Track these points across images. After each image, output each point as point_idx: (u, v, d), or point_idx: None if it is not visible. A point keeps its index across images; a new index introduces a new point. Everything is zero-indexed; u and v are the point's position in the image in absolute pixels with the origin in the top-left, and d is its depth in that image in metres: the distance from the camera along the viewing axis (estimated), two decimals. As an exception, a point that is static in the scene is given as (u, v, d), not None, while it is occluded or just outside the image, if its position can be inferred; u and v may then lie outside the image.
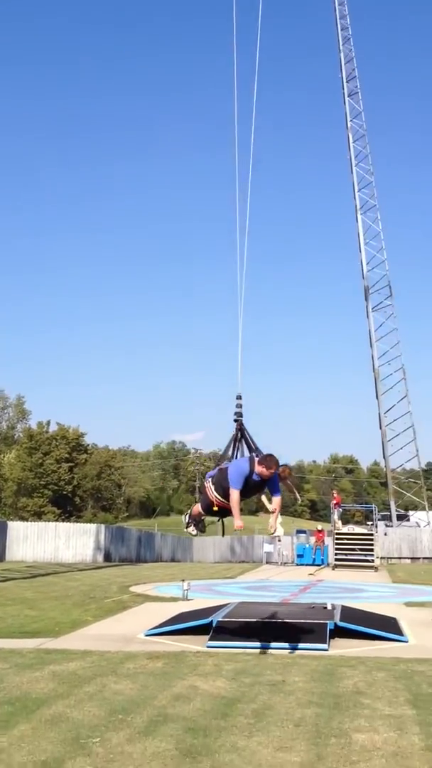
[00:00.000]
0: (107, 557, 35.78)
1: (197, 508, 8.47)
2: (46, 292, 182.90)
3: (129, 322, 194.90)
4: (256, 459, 7.75)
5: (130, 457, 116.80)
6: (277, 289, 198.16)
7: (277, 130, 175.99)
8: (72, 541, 35.17)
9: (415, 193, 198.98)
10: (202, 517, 8.56)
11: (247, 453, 8.44)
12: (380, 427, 51.52)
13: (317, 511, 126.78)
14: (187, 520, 8.68)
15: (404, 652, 8.96)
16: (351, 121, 54.78)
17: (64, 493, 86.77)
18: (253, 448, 8.36)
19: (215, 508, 8.13)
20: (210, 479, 8.19)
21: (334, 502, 35.32)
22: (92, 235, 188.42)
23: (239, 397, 8.96)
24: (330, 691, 6.79)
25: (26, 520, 50.47)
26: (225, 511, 8.13)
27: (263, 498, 8.50)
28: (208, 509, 8.27)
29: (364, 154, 54.75)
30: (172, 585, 18.07)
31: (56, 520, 55.18)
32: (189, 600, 14.27)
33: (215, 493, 7.97)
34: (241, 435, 8.57)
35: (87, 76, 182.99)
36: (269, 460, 7.67)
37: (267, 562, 37.59)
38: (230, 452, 8.57)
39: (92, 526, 38.14)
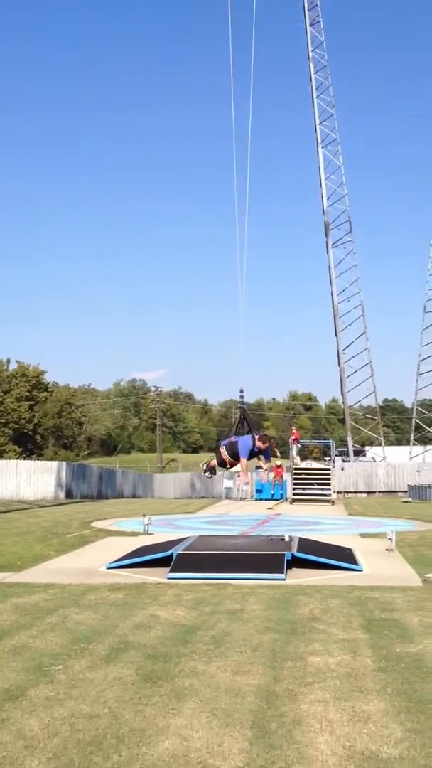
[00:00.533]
0: (69, 494, 35.97)
1: (214, 462, 11.91)
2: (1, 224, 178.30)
3: (89, 258, 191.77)
4: (256, 437, 11.32)
5: (91, 395, 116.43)
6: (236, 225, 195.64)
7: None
8: (33, 479, 35.22)
9: (375, 129, 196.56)
10: (216, 468, 12.03)
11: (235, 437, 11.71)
12: (339, 364, 52.14)
13: (277, 448, 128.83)
14: (204, 468, 12.06)
15: (358, 580, 9.26)
16: (312, 51, 53.56)
17: (25, 431, 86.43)
18: (252, 428, 11.83)
19: (228, 465, 11.75)
20: (224, 446, 11.62)
21: (293, 438, 35.82)
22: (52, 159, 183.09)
23: (242, 390, 12.90)
24: (287, 618, 7.01)
25: (-14, 458, 50.34)
26: (232, 465, 11.65)
27: (258, 459, 12.00)
28: (222, 465, 11.85)
29: (326, 85, 53.80)
30: (133, 520, 18.29)
31: (17, 459, 55.05)
32: (150, 534, 14.48)
33: (227, 456, 11.40)
34: (243, 417, 12.03)
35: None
36: (264, 438, 11.43)
37: (227, 498, 38.20)
38: (235, 428, 12.18)
39: (53, 464, 38.18)
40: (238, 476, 38.18)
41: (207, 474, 12.18)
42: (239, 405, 12.75)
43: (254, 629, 6.53)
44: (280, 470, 34.55)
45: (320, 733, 4.12)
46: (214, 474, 12.34)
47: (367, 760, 3.77)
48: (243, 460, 11.38)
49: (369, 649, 5.87)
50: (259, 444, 11.30)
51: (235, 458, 11.46)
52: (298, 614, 7.17)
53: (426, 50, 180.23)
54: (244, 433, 11.86)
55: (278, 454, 24.13)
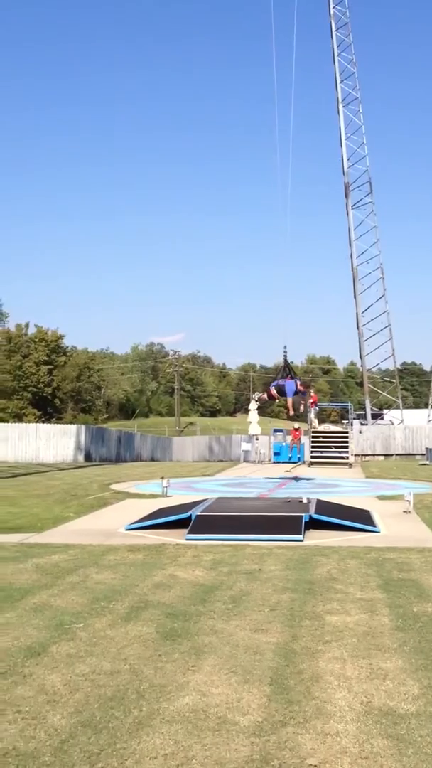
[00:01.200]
0: (87, 457, 36.29)
1: (264, 396, 17.80)
2: (21, 191, 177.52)
3: (109, 222, 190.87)
4: (298, 382, 16.45)
5: (109, 360, 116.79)
6: (255, 185, 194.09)
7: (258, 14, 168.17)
8: (53, 442, 35.52)
9: (398, 87, 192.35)
10: (265, 401, 18.63)
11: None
12: (357, 327, 51.72)
13: (273, 400, 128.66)
14: (256, 398, 21.49)
15: (376, 541, 9.30)
16: (334, 7, 52.21)
17: (44, 395, 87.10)
18: (293, 374, 16.89)
19: (275, 399, 17.46)
20: (273, 387, 16.99)
21: (311, 401, 35.69)
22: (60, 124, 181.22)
23: (285, 347, 18.63)
24: (304, 578, 7.06)
25: (6, 422, 50.72)
26: (275, 399, 17.39)
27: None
28: (271, 399, 18.01)
29: (347, 42, 52.52)
30: (151, 483, 18.44)
31: (36, 422, 55.52)
32: (168, 497, 14.60)
33: (276, 393, 16.83)
34: (286, 365, 17.29)
35: None
36: (303, 384, 15.18)
37: (244, 461, 38.36)
38: (281, 374, 17.69)
39: (72, 427, 38.46)
40: (256, 438, 38.49)
41: (257, 403, 19.77)
42: (284, 355, 18.45)
43: (272, 589, 6.59)
44: (298, 433, 34.56)
45: (338, 689, 4.16)
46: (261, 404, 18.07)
47: (385, 715, 3.80)
48: (289, 399, 16.82)
49: (386, 609, 5.91)
50: (300, 387, 16.98)
51: (282, 395, 16.89)
52: (315, 574, 7.22)
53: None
54: (287, 377, 17.25)
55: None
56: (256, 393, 20.78)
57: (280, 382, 17.27)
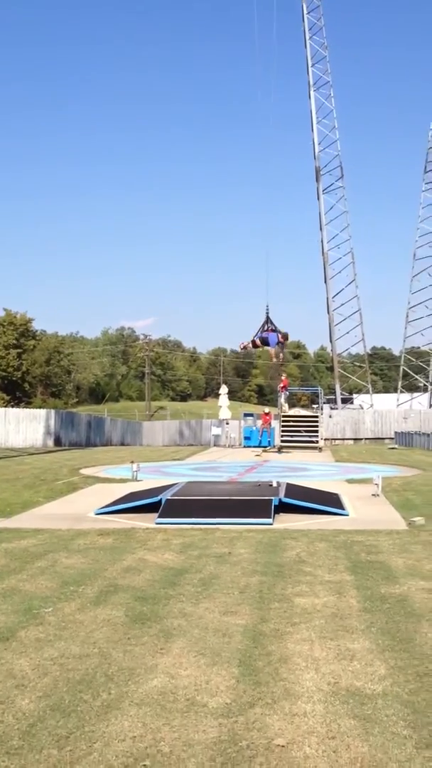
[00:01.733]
0: (57, 442, 36.07)
1: (248, 345, 20.80)
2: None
3: (78, 202, 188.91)
4: (279, 334, 19.37)
5: (79, 344, 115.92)
6: (229, 163, 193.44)
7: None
8: (22, 426, 35.23)
9: (365, 74, 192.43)
10: (248, 348, 21.90)
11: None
12: (328, 312, 52.04)
13: (264, 396, 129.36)
14: (241, 347, 21.70)
15: (345, 524, 9.39)
16: (305, -11, 51.97)
17: (13, 379, 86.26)
18: (274, 327, 19.99)
19: (259, 347, 20.50)
20: (258, 338, 20.05)
21: (281, 385, 35.78)
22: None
23: (267, 305, 20.88)
24: (274, 560, 7.10)
25: (-26, 406, 50.31)
26: (258, 347, 20.88)
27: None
28: (254, 347, 21.05)
29: (319, 26, 52.39)
30: (121, 467, 18.40)
31: (5, 407, 55.00)
32: (138, 481, 14.58)
33: (259, 342, 20.00)
34: (268, 320, 19.88)
35: None
36: (285, 335, 20.06)
37: (215, 445, 38.44)
38: (262, 328, 20.63)
39: (42, 412, 38.15)
40: (226, 423, 38.50)
41: (243, 350, 21.91)
42: (266, 311, 21.01)
43: (242, 572, 6.62)
44: (268, 417, 34.66)
45: (306, 670, 4.20)
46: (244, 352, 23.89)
47: (352, 695, 3.85)
48: (271, 349, 20.73)
49: (354, 590, 5.97)
50: (281, 339, 20.51)
51: (264, 344, 20.41)
52: (285, 557, 7.27)
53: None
54: (269, 330, 20.16)
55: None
56: (241, 343, 22.50)
57: (263, 334, 20.34)
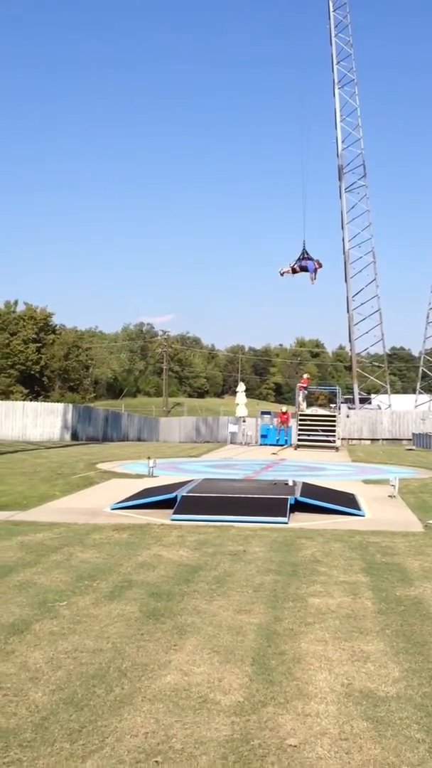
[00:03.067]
0: (74, 436, 36.24)
1: (288, 270, 24.88)
2: (6, 163, 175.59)
3: (99, 201, 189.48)
4: (315, 261, 24.56)
5: (98, 339, 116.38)
6: (245, 169, 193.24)
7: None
8: (40, 420, 35.44)
9: (393, 70, 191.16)
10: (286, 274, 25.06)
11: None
12: (347, 311, 51.89)
13: (282, 394, 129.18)
14: (282, 272, 25.16)
15: (360, 525, 9.34)
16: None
17: (32, 373, 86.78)
18: (309, 257, 24.62)
19: (298, 271, 24.60)
20: (297, 264, 24.57)
21: (302, 384, 35.62)
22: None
23: (304, 240, 24.89)
24: (288, 560, 7.09)
25: (-7, 399, 50.61)
26: (296, 273, 24.91)
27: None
28: (293, 272, 24.73)
29: (345, 23, 52.18)
30: (138, 463, 18.45)
31: (24, 400, 55.34)
32: (154, 477, 14.60)
33: (298, 268, 24.50)
34: (305, 251, 24.52)
35: None
36: (320, 263, 25.04)
37: (231, 443, 38.42)
38: (298, 258, 24.78)
39: (60, 406, 38.37)
40: (243, 420, 38.56)
41: (285, 274, 24.96)
42: (303, 244, 24.87)
43: (256, 570, 6.61)
44: (285, 416, 34.59)
45: (319, 670, 4.19)
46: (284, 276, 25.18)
47: (365, 697, 3.83)
48: (310, 273, 24.56)
49: (369, 592, 5.94)
50: (316, 265, 24.58)
51: (303, 270, 24.40)
52: (299, 557, 7.26)
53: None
54: (305, 259, 24.36)
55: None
56: (282, 269, 25.84)
57: (303, 262, 24.49)
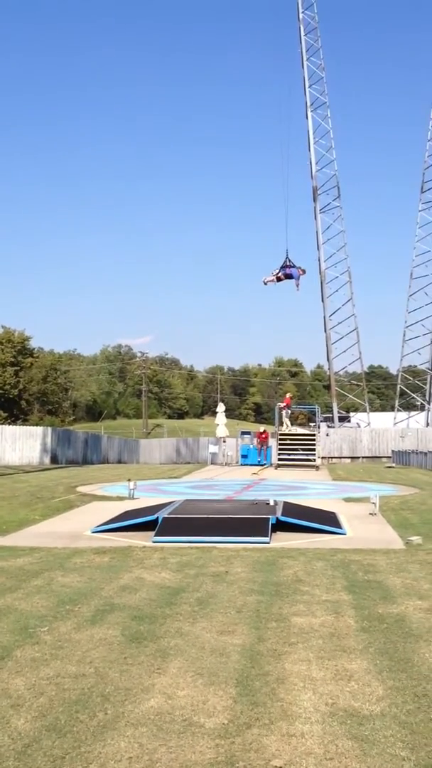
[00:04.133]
0: (54, 460, 35.97)
1: (272, 279, 24.60)
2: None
3: (77, 224, 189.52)
4: (299, 269, 24.75)
5: (77, 361, 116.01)
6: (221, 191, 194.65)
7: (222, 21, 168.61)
8: (18, 444, 35.16)
9: (364, 93, 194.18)
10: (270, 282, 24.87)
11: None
12: (325, 330, 52.17)
13: (261, 414, 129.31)
14: (266, 281, 24.68)
15: (342, 543, 9.36)
16: (303, 12, 52.60)
17: (10, 397, 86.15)
18: (293, 264, 24.53)
19: (282, 279, 24.48)
20: (281, 272, 24.46)
21: (285, 404, 35.60)
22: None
23: (287, 250, 24.95)
24: (271, 579, 7.08)
25: (-29, 423, 50.17)
26: (280, 280, 24.81)
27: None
28: (278, 280, 24.70)
29: (316, 47, 52.97)
30: (118, 485, 18.36)
31: (2, 424, 54.88)
32: (135, 499, 14.53)
33: (283, 276, 24.51)
34: (288, 259, 24.36)
35: None
36: (303, 270, 25.08)
37: (212, 463, 38.36)
38: (282, 267, 24.68)
39: (39, 429, 38.09)
40: (224, 441, 38.48)
41: (270, 283, 24.86)
42: (286, 252, 24.93)
43: (239, 591, 6.59)
44: (263, 436, 34.61)
45: (303, 690, 4.18)
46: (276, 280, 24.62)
47: (350, 716, 3.83)
48: (295, 281, 24.70)
49: (352, 610, 5.95)
50: (300, 272, 24.77)
51: (288, 278, 24.36)
52: (282, 576, 7.25)
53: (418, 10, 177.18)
54: (289, 267, 24.49)
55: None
56: (266, 278, 25.94)
57: (287, 270, 24.69)
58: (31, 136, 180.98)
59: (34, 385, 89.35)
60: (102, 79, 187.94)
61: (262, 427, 37.13)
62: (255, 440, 35.62)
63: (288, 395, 38.78)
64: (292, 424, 35.79)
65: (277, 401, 36.98)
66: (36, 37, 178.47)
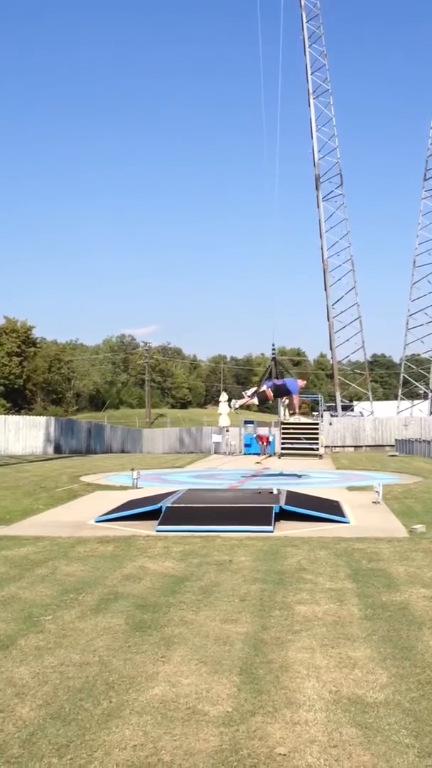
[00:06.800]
0: (57, 449, 36.07)
1: (249, 400, 16.27)
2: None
3: (80, 215, 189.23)
4: (298, 380, 16.15)
5: (80, 351, 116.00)
6: (222, 183, 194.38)
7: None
8: (22, 434, 35.23)
9: (366, 81, 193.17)
10: (247, 404, 16.37)
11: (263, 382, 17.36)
12: (328, 319, 52.07)
13: (264, 403, 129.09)
14: (236, 406, 16.89)
15: (345, 532, 9.36)
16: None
17: (14, 387, 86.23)
18: (284, 373, 16.56)
19: (269, 401, 16.52)
20: (268, 387, 15.76)
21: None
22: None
23: (273, 344, 18.16)
24: (274, 568, 7.08)
25: (-26, 414, 50.23)
26: (265, 402, 16.60)
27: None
28: (262, 401, 16.45)
29: (318, 34, 52.61)
30: (122, 474, 18.39)
31: (6, 414, 54.93)
32: (139, 488, 14.56)
33: (271, 393, 15.98)
34: (275, 365, 16.49)
35: None
36: (305, 376, 16.04)
37: (215, 453, 38.40)
38: (267, 374, 17.14)
39: (42, 419, 38.17)
40: (227, 430, 38.51)
41: (237, 407, 16.90)
42: (272, 357, 17.90)
43: (242, 580, 6.60)
44: (264, 438, 34.46)
45: (307, 678, 4.18)
46: (241, 408, 17.14)
47: (353, 704, 3.83)
48: (296, 397, 16.49)
49: (355, 598, 5.95)
50: (300, 383, 16.53)
51: (283, 394, 16.66)
52: (285, 565, 7.25)
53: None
54: (274, 377, 16.78)
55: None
56: (237, 401, 17.71)
57: (278, 381, 16.34)
58: (30, 129, 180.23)
59: (38, 375, 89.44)
60: (118, 72, 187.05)
61: (261, 430, 36.86)
62: (258, 440, 35.52)
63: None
64: (293, 414, 35.73)
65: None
66: (35, 32, 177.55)
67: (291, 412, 19.07)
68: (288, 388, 16.17)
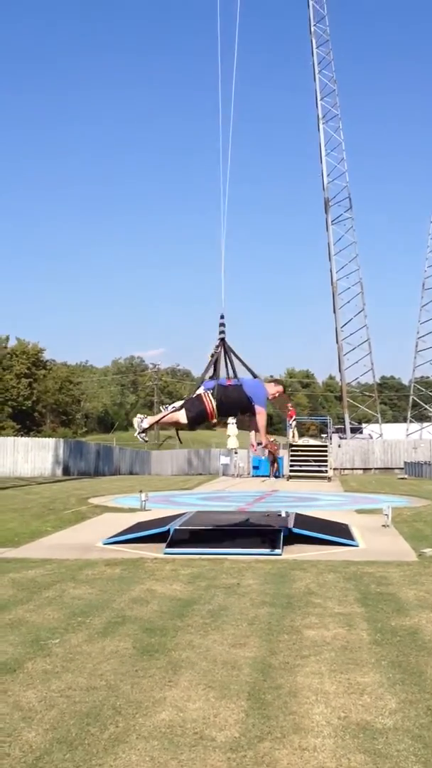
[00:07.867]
0: (66, 471, 36.05)
1: (166, 416, 8.27)
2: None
3: (87, 238, 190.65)
4: (268, 384, 8.28)
5: (89, 373, 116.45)
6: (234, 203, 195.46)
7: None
8: (31, 456, 35.27)
9: (374, 105, 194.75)
10: (167, 422, 8.44)
11: (223, 372, 8.64)
12: (337, 341, 52.19)
13: (272, 425, 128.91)
14: (142, 430, 8.57)
15: (355, 555, 9.30)
16: (315, 25, 52.87)
17: (24, 408, 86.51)
18: (235, 369, 8.41)
19: (213, 420, 8.05)
20: (209, 391, 7.99)
21: (289, 414, 35.70)
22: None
23: (222, 317, 8.70)
24: (283, 592, 7.04)
25: (-17, 435, 50.35)
26: (203, 421, 8.19)
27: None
28: (197, 421, 8.07)
29: (328, 60, 53.25)
30: (130, 496, 18.35)
31: (15, 436, 55.05)
32: (147, 510, 14.51)
33: (214, 404, 7.99)
34: (225, 352, 8.45)
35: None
36: (277, 382, 8.63)
37: (223, 474, 38.29)
38: (212, 370, 8.54)
39: (51, 441, 38.22)
40: (235, 452, 38.45)
41: (143, 435, 8.64)
42: (220, 336, 8.59)
43: (250, 603, 6.56)
44: (274, 446, 34.41)
45: (316, 704, 4.15)
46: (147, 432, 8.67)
47: (362, 730, 3.80)
48: (262, 411, 8.12)
49: (364, 623, 5.90)
50: (273, 391, 8.49)
51: (233, 409, 8.49)
52: (294, 588, 7.21)
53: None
54: (231, 373, 8.38)
55: (289, 406, 34.11)
56: (142, 418, 8.59)
57: (232, 382, 8.34)
58: (31, 139, 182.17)
59: (48, 397, 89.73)
60: (107, 82, 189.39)
61: (266, 438, 36.85)
62: (265, 451, 35.49)
63: (289, 405, 38.61)
64: (301, 436, 35.72)
65: (286, 413, 36.84)
66: (38, 37, 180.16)
67: (258, 442, 12.42)
68: (248, 394, 8.23)
